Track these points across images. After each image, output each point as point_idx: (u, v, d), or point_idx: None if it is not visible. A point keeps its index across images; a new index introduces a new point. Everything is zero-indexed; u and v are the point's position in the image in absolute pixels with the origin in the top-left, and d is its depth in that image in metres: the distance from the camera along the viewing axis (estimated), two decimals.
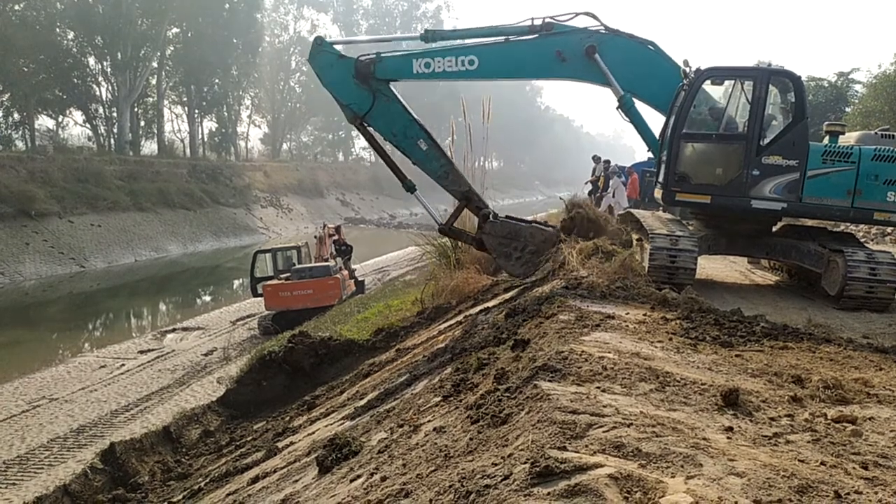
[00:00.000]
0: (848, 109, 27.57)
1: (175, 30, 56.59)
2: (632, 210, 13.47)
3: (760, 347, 6.08)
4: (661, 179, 10.21)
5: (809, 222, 11.48)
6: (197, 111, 60.57)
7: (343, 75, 10.63)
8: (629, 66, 10.56)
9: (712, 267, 12.13)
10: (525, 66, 10.74)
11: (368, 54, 10.68)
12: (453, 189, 11.21)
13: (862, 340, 6.72)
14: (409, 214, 69.57)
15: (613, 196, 20.35)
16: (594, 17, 10.68)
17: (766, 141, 9.48)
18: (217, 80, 60.14)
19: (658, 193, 10.57)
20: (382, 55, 10.65)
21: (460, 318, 10.49)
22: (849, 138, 10.24)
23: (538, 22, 10.42)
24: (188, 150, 59.70)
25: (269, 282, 23.78)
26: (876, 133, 10.36)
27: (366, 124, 10.76)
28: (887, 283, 8.81)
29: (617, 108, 11.12)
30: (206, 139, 63.39)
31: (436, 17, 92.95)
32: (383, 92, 10.53)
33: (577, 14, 10.65)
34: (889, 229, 18.61)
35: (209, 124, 64.34)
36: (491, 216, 10.99)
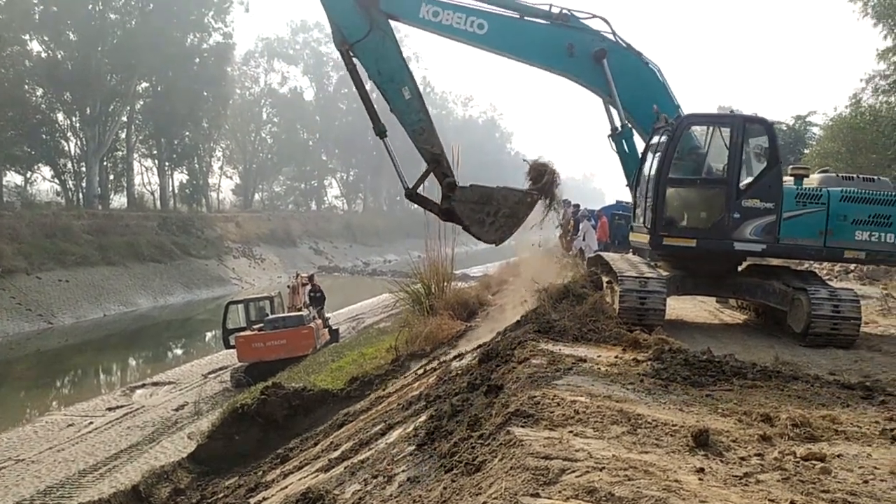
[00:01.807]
0: (806, 151, 28.30)
1: (145, 84, 56.72)
2: (601, 253, 13.63)
3: (730, 387, 6.16)
4: (646, 224, 10.17)
5: (774, 261, 11.70)
6: (167, 163, 60.41)
7: None
8: (632, 85, 10.70)
9: (682, 307, 12.28)
10: (533, 47, 10.55)
11: None
12: (425, 147, 10.27)
13: (828, 377, 6.83)
14: (383, 261, 69.57)
15: (584, 239, 20.56)
16: (608, 24, 10.70)
17: (745, 185, 9.77)
18: (187, 133, 60.16)
19: (639, 237, 10.67)
20: None
21: (434, 364, 10.47)
22: (812, 180, 10.56)
23: (556, 10, 10.38)
24: (158, 203, 59.36)
25: (242, 333, 23.50)
26: (837, 175, 10.79)
27: (352, 54, 9.92)
28: (850, 319, 8.99)
29: (609, 136, 11.32)
30: (176, 191, 63.13)
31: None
32: (381, 26, 9.82)
33: (594, 16, 10.66)
34: (851, 266, 18.98)
35: (180, 176, 64.18)
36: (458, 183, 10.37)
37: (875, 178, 10.97)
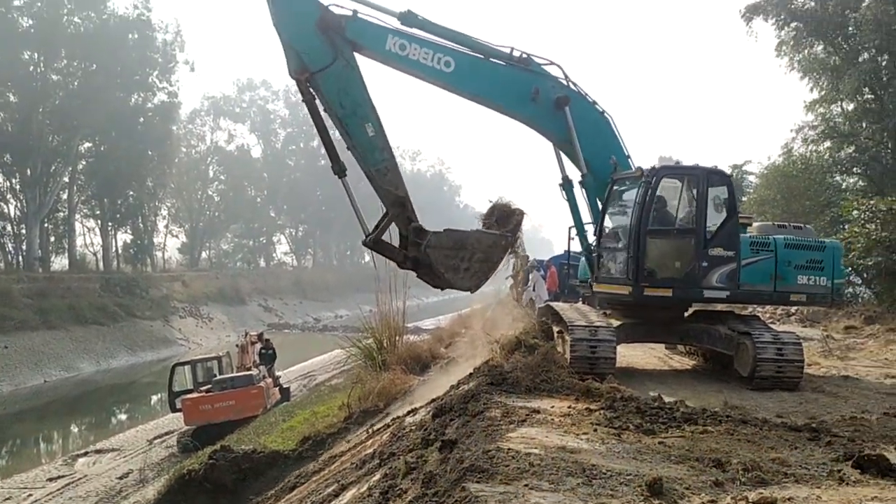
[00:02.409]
0: (744, 199, 29.23)
1: (87, 144, 55.87)
2: (551, 303, 13.76)
3: (682, 433, 6.21)
4: (629, 275, 10.17)
5: (719, 306, 11.97)
6: (111, 224, 59.21)
7: (304, 16, 8.93)
8: (589, 133, 10.59)
9: (632, 354, 12.41)
10: (498, 89, 10.15)
11: (341, 7, 9.22)
12: (388, 189, 9.25)
13: (776, 420, 6.95)
14: (334, 317, 68.85)
15: (534, 290, 20.75)
16: (563, 71, 10.50)
17: (710, 235, 10.10)
18: (132, 192, 59.17)
19: (614, 288, 10.73)
20: (360, 15, 9.27)
21: (388, 420, 10.33)
22: (752, 229, 10.99)
23: (517, 53, 10.10)
24: (101, 264, 57.93)
25: (189, 395, 22.89)
26: (773, 224, 11.34)
27: (311, 84, 9.03)
28: (794, 362, 9.23)
29: (561, 185, 11.21)
30: (120, 251, 61.83)
31: None
32: (345, 55, 8.99)
33: (551, 62, 10.43)
34: (792, 309, 19.51)
35: (124, 236, 62.93)
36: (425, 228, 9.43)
37: (802, 225, 11.64)
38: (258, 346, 27.39)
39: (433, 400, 9.70)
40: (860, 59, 26.43)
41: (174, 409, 23.72)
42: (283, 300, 73.00)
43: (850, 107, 27.78)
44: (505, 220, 9.60)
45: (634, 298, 10.23)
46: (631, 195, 10.51)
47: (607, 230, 10.98)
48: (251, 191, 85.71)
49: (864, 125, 27.11)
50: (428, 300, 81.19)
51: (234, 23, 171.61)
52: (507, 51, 10.09)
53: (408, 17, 9.55)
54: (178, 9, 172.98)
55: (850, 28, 26.62)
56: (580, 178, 11.01)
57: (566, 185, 11.26)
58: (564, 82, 10.46)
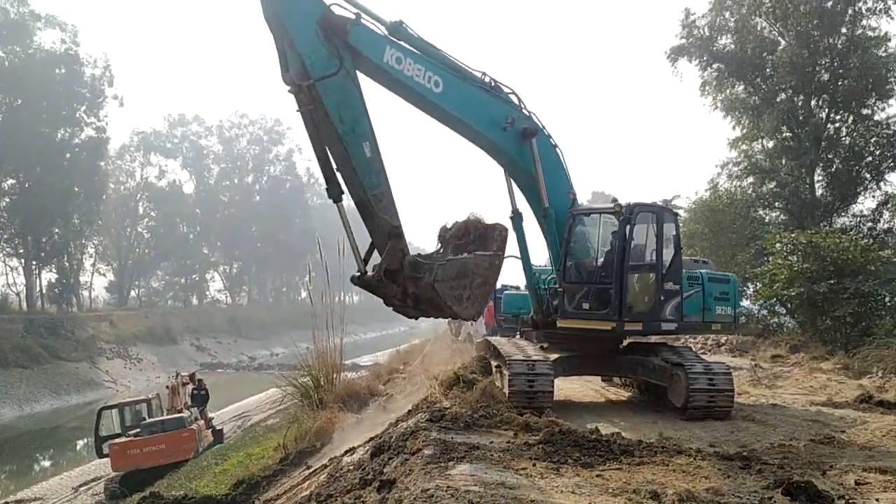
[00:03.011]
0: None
1: (11, 181, 53.96)
2: (489, 338, 13.80)
3: (619, 465, 6.28)
4: (612, 312, 10.31)
5: (653, 339, 12.23)
6: (35, 262, 57.06)
7: (309, 15, 7.80)
8: (548, 167, 10.36)
9: (570, 387, 12.53)
10: (479, 114, 9.66)
11: (345, 7, 8.18)
12: (383, 219, 8.09)
13: (709, 449, 7.10)
14: (270, 355, 67.47)
15: (472, 324, 20.80)
16: (520, 100, 10.14)
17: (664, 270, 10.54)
18: (57, 230, 57.20)
19: (593, 324, 10.66)
20: (362, 20, 8.24)
21: (325, 461, 10.13)
22: None
23: (487, 79, 9.70)
24: (24, 304, 55.65)
25: (116, 440, 22.01)
26: (690, 259, 12.04)
27: (316, 92, 7.71)
28: (725, 391, 9.47)
29: (512, 217, 10.94)
30: (44, 291, 59.51)
31: (288, 160, 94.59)
32: (346, 64, 7.94)
33: (513, 91, 10.06)
34: (723, 339, 20.06)
35: (48, 275, 60.65)
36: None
37: (706, 260, 12.52)
38: (190, 386, 26.62)
39: (371, 438, 9.57)
40: (778, 99, 27.75)
41: (101, 455, 22.77)
42: (217, 339, 71.26)
43: (770, 144, 29.06)
44: (484, 238, 8.65)
45: (617, 333, 10.47)
46: (594, 230, 10.79)
47: (570, 265, 10.90)
48: (183, 227, 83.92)
49: (783, 162, 28.36)
50: (366, 336, 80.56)
51: (166, 57, 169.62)
52: (480, 75, 9.70)
53: (399, 30, 8.72)
54: (107, 43, 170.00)
55: (768, 70, 27.97)
56: (542, 212, 10.66)
57: (517, 218, 11.05)
58: (526, 112, 10.20)
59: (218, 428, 26.51)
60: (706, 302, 10.99)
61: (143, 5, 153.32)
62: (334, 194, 8.14)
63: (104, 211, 66.23)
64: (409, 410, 9.95)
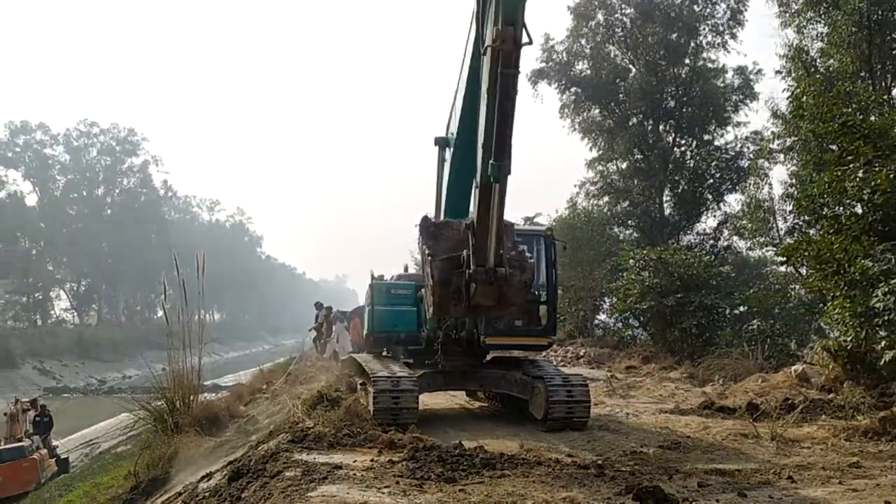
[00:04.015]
0: None
1: None
2: (354, 355, 13.67)
3: (481, 479, 6.36)
4: (549, 328, 11.42)
5: (515, 353, 12.51)
6: None
7: None
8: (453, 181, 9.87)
9: (435, 402, 12.59)
10: None
11: None
12: (502, 204, 7.17)
13: (567, 459, 7.33)
14: (122, 378, 63.74)
15: (337, 341, 20.55)
16: None
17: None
18: None
19: (531, 340, 11.57)
20: None
21: (179, 488, 9.65)
22: None
23: None
24: None
25: None
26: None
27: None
28: (583, 402, 9.81)
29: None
30: None
31: (143, 172, 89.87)
32: None
33: None
34: (582, 351, 20.88)
35: None
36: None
37: None
38: (31, 413, 24.76)
39: (230, 462, 9.22)
40: (630, 123, 29.44)
41: None
42: (63, 361, 66.54)
43: (624, 165, 30.72)
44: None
45: (550, 346, 11.51)
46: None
47: None
48: (25, 242, 77.83)
49: (635, 182, 30.03)
50: (228, 355, 77.84)
51: (8, 60, 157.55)
52: None
53: None
54: None
55: (621, 95, 29.63)
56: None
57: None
58: None
59: (63, 456, 24.82)
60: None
61: None
62: (509, 171, 7.02)
63: None
64: (271, 432, 9.67)
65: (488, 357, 11.69)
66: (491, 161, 6.74)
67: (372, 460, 7.09)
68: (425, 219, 8.84)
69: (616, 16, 30.25)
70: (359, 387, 11.08)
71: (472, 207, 7.61)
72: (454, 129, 9.13)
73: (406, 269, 17.93)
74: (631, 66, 30.35)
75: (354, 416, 9.19)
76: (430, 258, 7.85)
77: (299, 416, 9.58)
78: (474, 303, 7.62)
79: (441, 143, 9.83)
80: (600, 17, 30.12)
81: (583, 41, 30.29)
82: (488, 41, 6.36)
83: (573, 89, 30.23)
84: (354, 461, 7.04)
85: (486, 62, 6.55)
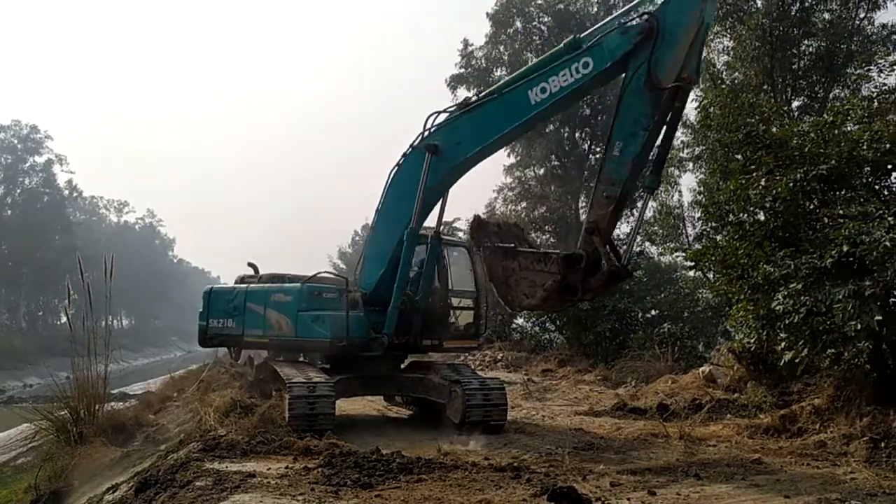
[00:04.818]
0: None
1: None
2: (269, 360, 13.38)
3: (398, 483, 6.33)
4: (482, 329, 11.58)
5: (435, 356, 12.54)
6: None
7: None
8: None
9: (352, 408, 12.48)
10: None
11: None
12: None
13: (484, 462, 7.38)
14: (22, 386, 60.63)
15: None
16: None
17: None
18: None
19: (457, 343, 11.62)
20: None
21: (84, 500, 9.24)
22: None
23: None
24: None
25: None
26: None
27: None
28: (499, 406, 9.91)
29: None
30: None
31: (46, 171, 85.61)
32: None
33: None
34: (499, 356, 21.07)
35: None
36: None
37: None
38: None
39: (138, 473, 8.89)
40: (547, 130, 29.94)
41: None
42: None
43: (541, 171, 31.23)
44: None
45: (480, 347, 11.64)
46: (442, 256, 10.97)
47: (436, 289, 10.99)
48: None
49: (552, 188, 30.57)
50: (137, 362, 75.07)
51: None
52: None
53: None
54: None
55: None
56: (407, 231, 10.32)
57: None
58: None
59: None
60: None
61: None
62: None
63: None
64: (181, 440, 9.36)
65: (405, 362, 11.68)
66: (649, 173, 8.48)
67: (287, 467, 6.96)
68: (484, 221, 9.54)
69: (534, 23, 30.79)
70: (274, 393, 10.86)
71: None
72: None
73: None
74: None
75: (269, 423, 9.00)
76: (544, 255, 8.60)
77: (211, 423, 9.31)
78: (589, 295, 8.70)
79: (431, 149, 9.90)
80: (518, 24, 30.59)
81: (501, 48, 30.70)
82: (667, 82, 7.81)
83: None
84: (268, 469, 6.90)
85: (653, 97, 7.91)
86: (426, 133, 10.21)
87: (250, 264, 13.15)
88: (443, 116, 10.26)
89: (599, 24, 9.59)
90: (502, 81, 11.05)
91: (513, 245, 8.77)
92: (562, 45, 9.12)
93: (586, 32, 9.27)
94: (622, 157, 8.07)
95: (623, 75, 8.30)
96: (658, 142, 8.35)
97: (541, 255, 8.59)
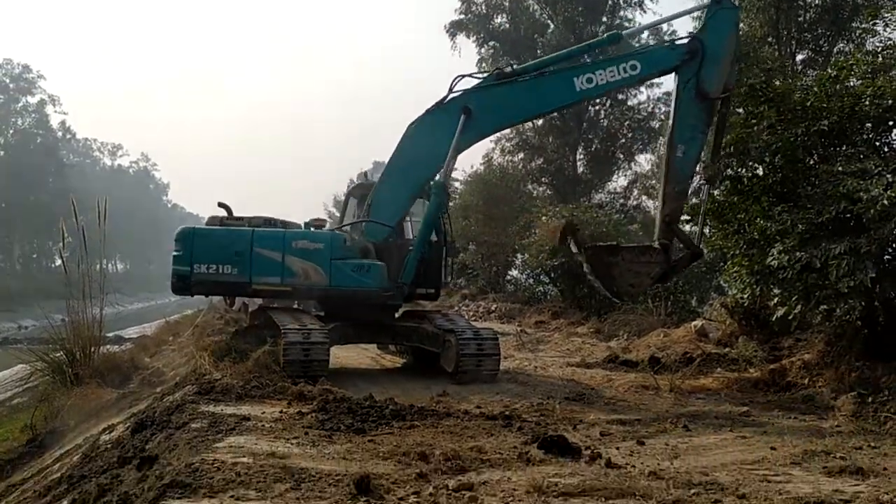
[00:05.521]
0: (451, 204, 31.22)
1: None
2: (264, 306, 13.45)
3: (391, 430, 6.41)
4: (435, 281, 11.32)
5: (428, 305, 12.58)
6: None
7: None
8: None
9: (346, 356, 12.57)
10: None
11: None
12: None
13: (476, 411, 7.46)
14: (18, 328, 60.96)
15: None
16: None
17: None
18: None
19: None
20: None
21: (80, 440, 9.35)
22: None
23: None
24: None
25: None
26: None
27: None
28: (492, 356, 9.99)
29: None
30: None
31: (39, 112, 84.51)
32: None
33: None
34: (493, 307, 21.17)
35: None
36: None
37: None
38: None
39: (134, 415, 8.98)
40: None
41: None
42: None
43: (539, 122, 30.94)
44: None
45: (436, 297, 11.95)
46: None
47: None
48: None
49: (550, 139, 30.36)
50: (132, 307, 75.33)
51: None
52: None
53: None
54: None
55: (539, 51, 29.70)
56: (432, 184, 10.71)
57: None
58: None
59: None
60: None
61: None
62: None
63: None
64: (177, 383, 9.44)
65: (399, 311, 11.73)
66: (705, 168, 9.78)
67: (281, 412, 7.03)
68: (576, 227, 10.89)
69: None
70: (268, 339, 10.92)
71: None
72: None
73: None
74: (549, 21, 30.43)
75: (264, 369, 9.08)
76: (646, 248, 10.02)
77: (206, 367, 9.38)
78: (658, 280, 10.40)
79: (466, 112, 10.28)
80: None
81: None
82: (715, 94, 9.51)
83: (491, 43, 30.16)
84: (263, 413, 6.97)
85: (705, 106, 9.56)
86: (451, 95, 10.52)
87: (222, 205, 12.24)
88: (471, 82, 10.74)
89: (643, 26, 11.49)
90: (538, 60, 12.22)
91: (615, 244, 10.54)
92: (604, 35, 11.26)
93: (626, 31, 11.86)
94: (686, 158, 9.56)
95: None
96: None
97: (644, 249, 10.04)
